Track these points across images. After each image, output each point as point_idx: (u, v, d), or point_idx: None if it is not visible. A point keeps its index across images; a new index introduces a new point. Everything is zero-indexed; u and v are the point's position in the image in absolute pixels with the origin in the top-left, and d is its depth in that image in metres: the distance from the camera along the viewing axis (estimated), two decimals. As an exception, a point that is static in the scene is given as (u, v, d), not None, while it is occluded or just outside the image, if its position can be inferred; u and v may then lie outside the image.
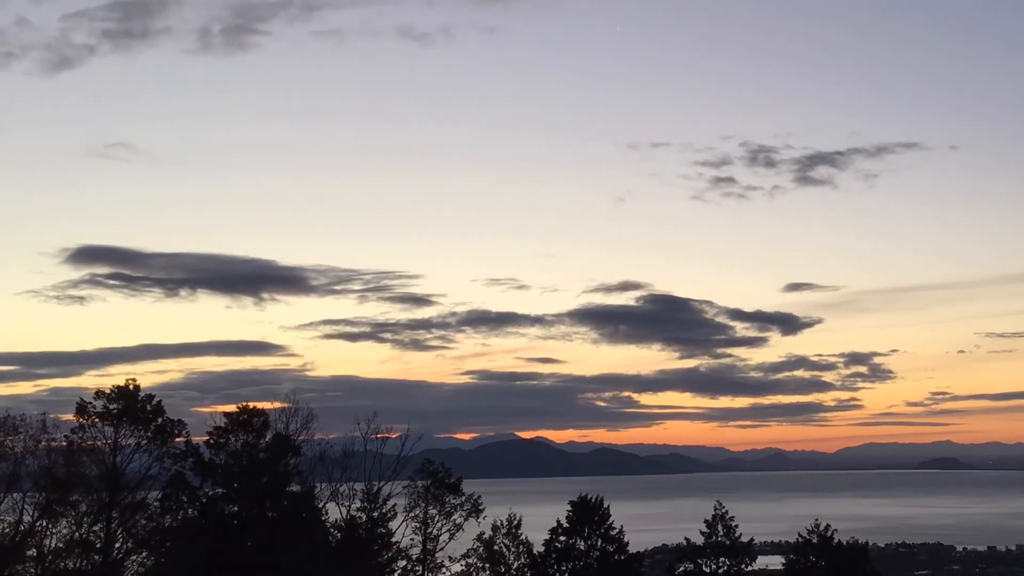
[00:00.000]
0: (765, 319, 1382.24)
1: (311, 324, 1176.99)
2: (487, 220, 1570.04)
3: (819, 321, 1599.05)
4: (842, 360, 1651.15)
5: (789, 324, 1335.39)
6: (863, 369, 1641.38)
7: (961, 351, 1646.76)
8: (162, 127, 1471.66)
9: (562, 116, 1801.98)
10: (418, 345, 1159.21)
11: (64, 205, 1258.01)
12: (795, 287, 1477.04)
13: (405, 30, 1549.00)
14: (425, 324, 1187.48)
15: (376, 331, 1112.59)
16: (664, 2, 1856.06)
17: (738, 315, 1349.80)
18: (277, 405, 65.82)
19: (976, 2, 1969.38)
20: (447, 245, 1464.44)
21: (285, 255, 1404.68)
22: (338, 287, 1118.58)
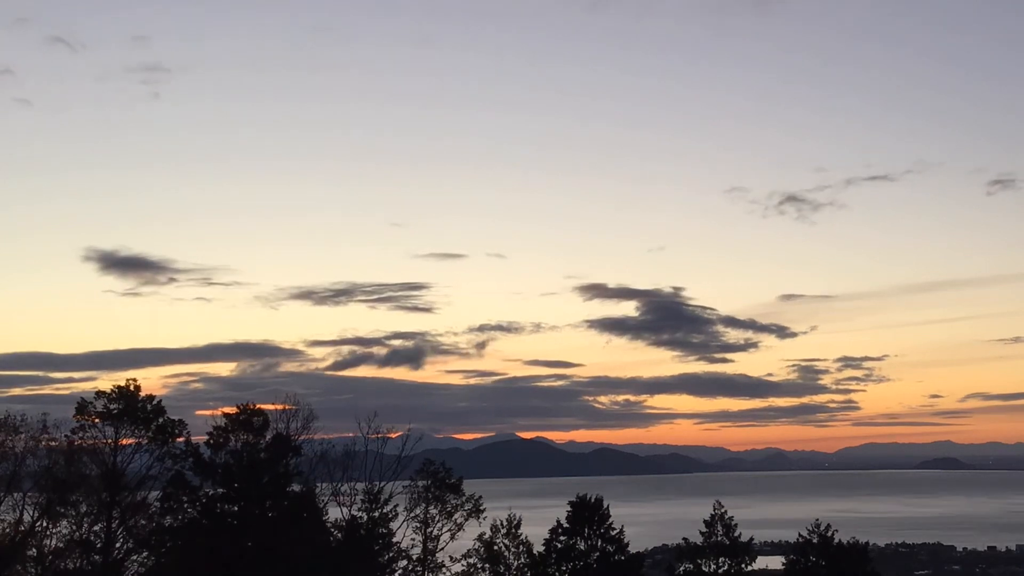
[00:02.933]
0: (761, 325, 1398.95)
1: (323, 331, 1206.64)
2: (489, 227, 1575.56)
3: (814, 328, 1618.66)
4: (838, 364, 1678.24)
5: (784, 330, 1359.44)
6: (859, 372, 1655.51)
7: (957, 353, 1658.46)
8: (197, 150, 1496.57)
9: (559, 127, 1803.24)
10: (428, 350, 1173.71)
11: (99, 213, 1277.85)
12: (789, 296, 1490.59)
13: (410, 42, 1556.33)
14: (433, 332, 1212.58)
15: (387, 337, 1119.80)
16: (632, 50, 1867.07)
17: (736, 321, 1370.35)
18: (278, 407, 65.88)
19: (927, 43, 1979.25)
20: (451, 253, 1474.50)
21: (297, 266, 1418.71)
22: (344, 298, 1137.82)
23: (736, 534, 64.96)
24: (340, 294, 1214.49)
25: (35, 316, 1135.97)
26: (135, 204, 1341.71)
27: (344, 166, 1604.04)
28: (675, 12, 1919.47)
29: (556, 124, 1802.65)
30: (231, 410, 64.73)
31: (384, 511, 66.97)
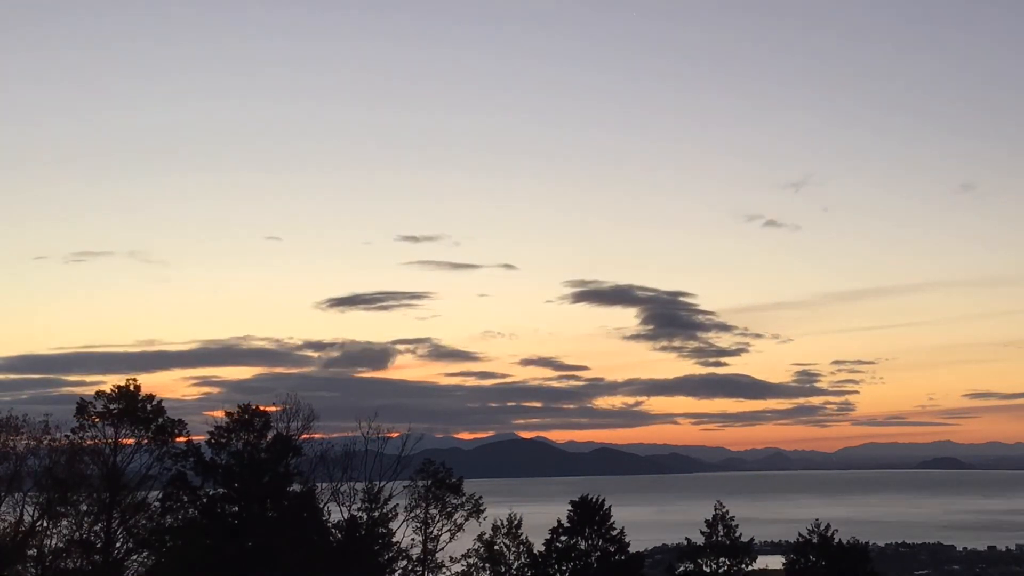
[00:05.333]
0: (758, 328, 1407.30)
1: (332, 335, 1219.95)
2: (494, 233, 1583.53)
3: (809, 332, 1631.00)
4: (834, 366, 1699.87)
5: (780, 334, 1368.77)
6: (855, 375, 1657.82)
7: (952, 354, 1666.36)
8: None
9: (559, 132, 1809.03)
10: (434, 353, 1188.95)
11: (114, 220, 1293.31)
12: (784, 301, 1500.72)
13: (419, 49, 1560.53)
14: (436, 336, 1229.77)
15: (393, 342, 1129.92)
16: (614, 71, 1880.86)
17: (733, 325, 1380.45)
18: (279, 407, 65.88)
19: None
20: (460, 263, 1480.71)
21: (311, 273, 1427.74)
22: (349, 305, 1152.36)
23: (736, 534, 65.01)
24: (346, 302, 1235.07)
25: (48, 318, 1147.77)
26: (149, 211, 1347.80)
27: (354, 175, 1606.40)
28: (682, 20, 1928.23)
29: (556, 129, 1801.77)
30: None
31: (384, 511, 67.02)
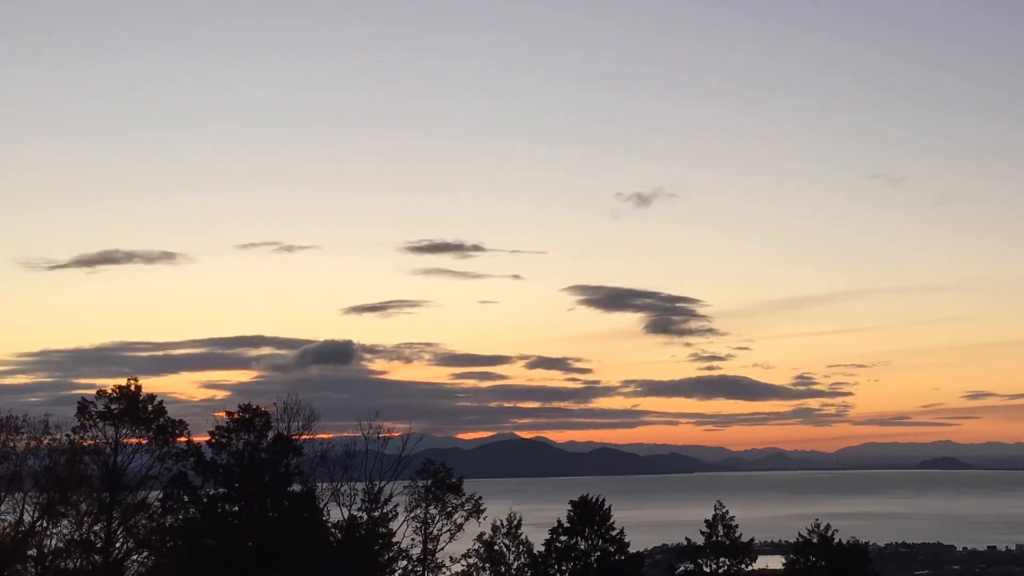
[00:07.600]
0: (758, 329, 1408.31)
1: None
2: (492, 238, 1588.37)
3: (809, 331, 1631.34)
4: (835, 366, 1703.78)
5: (780, 334, 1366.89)
6: (856, 376, 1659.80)
7: (953, 355, 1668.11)
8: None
9: (558, 133, 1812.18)
10: (438, 356, 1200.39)
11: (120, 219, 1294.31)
12: (784, 300, 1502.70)
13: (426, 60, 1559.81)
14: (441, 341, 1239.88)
15: (397, 348, 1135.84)
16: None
17: (733, 325, 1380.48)
18: (280, 407, 65.86)
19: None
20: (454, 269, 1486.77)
21: (322, 283, 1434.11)
22: (356, 312, 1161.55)
23: (736, 534, 64.98)
24: (356, 308, 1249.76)
25: (61, 321, 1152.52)
26: (162, 217, 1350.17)
27: (363, 186, 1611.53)
28: (685, 29, 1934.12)
29: (558, 139, 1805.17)
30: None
31: (384, 511, 67.06)
